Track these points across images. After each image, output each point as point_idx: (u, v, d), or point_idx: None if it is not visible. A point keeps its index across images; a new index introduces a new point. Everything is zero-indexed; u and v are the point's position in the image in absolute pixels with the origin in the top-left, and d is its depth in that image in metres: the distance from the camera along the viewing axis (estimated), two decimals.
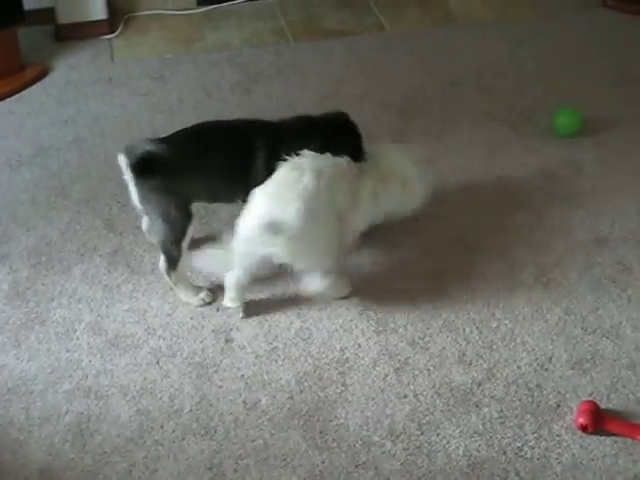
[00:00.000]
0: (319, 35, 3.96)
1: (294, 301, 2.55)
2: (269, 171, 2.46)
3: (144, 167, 2.44)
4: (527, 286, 2.62)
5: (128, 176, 2.48)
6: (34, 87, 3.57)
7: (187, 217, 2.51)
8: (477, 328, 2.47)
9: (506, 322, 2.50)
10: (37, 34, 3.89)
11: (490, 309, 2.54)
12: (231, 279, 2.47)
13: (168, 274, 2.54)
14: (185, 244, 2.52)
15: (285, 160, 2.44)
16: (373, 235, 2.77)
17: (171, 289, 2.57)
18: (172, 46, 3.87)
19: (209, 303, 2.56)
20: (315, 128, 2.62)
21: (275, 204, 2.36)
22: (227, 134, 2.63)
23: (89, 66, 3.71)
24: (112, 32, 3.94)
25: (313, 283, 2.47)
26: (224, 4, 4.18)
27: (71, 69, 3.69)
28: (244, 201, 2.46)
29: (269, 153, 2.53)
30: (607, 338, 2.46)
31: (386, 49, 3.83)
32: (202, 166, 2.53)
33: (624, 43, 3.94)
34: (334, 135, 2.60)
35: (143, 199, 2.50)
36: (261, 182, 2.44)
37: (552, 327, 2.49)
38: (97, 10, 3.89)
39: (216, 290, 2.57)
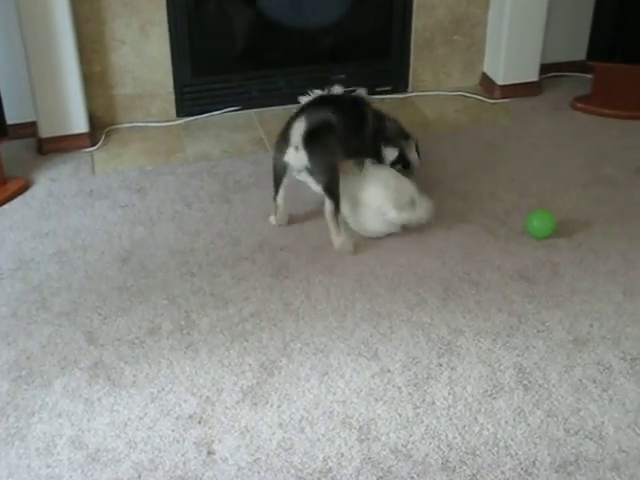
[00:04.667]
0: None
1: (276, 410, 2.54)
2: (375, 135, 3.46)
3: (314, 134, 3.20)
4: (508, 389, 2.63)
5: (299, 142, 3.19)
6: (16, 200, 3.61)
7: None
8: (460, 434, 2.47)
9: (489, 427, 2.49)
10: (19, 147, 3.95)
11: (472, 414, 2.53)
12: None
13: (335, 217, 3.22)
14: None
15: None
16: (352, 343, 2.79)
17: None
18: (152, 158, 3.94)
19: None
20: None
21: None
22: (348, 105, 3.45)
23: (70, 179, 3.76)
24: (93, 145, 4.01)
25: None
26: (203, 115, 4.27)
27: (52, 182, 3.74)
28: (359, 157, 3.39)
29: (374, 122, 3.47)
30: (590, 439, 2.45)
31: None
32: (344, 129, 3.28)
33: (594, 144, 4.05)
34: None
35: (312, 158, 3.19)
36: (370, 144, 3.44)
37: (535, 430, 2.48)
38: (79, 124, 3.96)
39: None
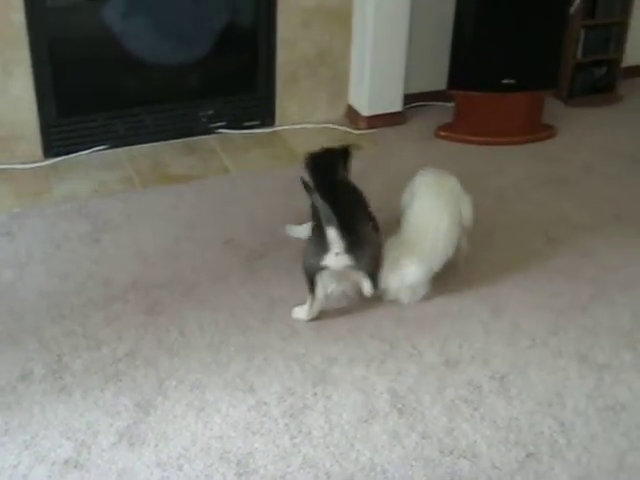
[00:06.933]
0: (167, 180, 4.04)
1: (153, 450, 2.52)
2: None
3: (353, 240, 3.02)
4: (383, 414, 2.68)
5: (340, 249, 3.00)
6: None
7: None
8: (337, 461, 2.50)
9: (365, 452, 2.53)
10: None
11: (349, 440, 2.57)
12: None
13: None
14: None
15: None
16: (228, 378, 2.80)
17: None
18: (19, 200, 3.86)
19: None
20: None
21: None
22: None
23: None
24: None
25: None
26: (71, 155, 4.22)
27: None
28: None
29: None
30: (464, 458, 2.52)
31: (232, 190, 3.94)
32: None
33: (457, 171, 4.07)
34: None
35: None
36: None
37: (410, 452, 2.54)
38: None
39: None
